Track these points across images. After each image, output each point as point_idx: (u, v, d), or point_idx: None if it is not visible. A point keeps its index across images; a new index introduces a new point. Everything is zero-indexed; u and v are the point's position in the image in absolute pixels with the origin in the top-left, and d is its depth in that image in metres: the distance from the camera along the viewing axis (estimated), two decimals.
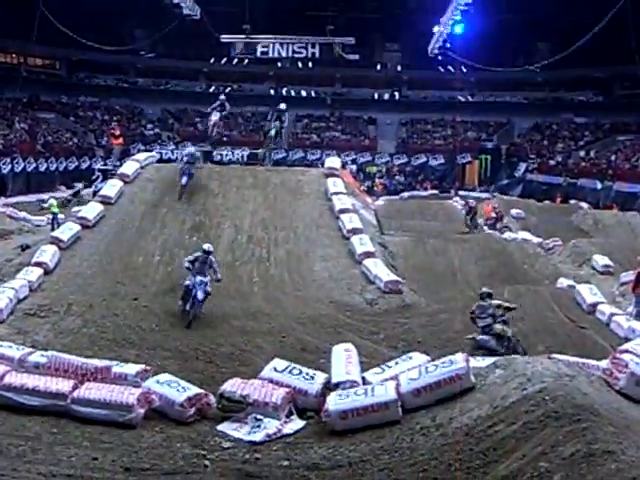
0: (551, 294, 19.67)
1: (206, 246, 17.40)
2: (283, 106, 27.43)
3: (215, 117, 28.41)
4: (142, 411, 10.32)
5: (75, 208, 26.92)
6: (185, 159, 24.21)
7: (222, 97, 28.46)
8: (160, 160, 31.90)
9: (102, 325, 15.75)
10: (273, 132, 27.85)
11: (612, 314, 17.55)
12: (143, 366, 11.92)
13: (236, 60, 68.99)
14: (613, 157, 53.93)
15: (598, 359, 12.43)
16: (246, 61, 69.24)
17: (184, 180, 22.98)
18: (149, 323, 16.04)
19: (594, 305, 18.40)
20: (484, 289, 15.03)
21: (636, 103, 59.66)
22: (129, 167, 24.65)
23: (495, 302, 14.48)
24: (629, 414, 9.37)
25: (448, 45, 61.14)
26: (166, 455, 9.28)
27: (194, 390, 10.83)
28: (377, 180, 56.60)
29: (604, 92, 65.51)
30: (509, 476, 7.82)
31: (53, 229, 25.81)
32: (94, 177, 46.44)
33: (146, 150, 44.25)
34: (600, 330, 17.11)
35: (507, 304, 14.72)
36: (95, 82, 67.08)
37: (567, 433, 8.08)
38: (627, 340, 15.20)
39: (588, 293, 19.07)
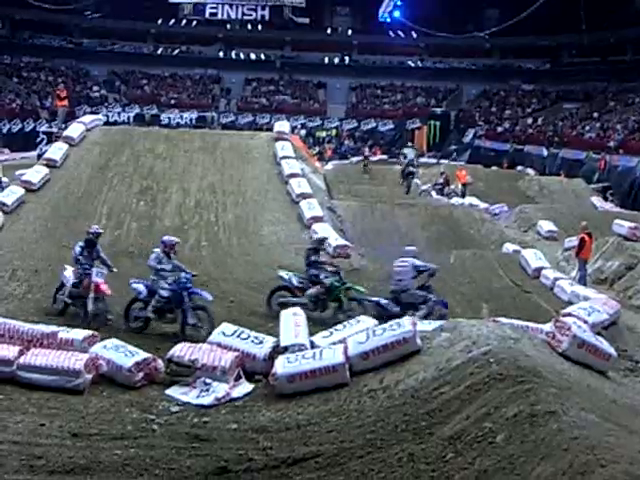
0: (497, 259, 19.99)
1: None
2: None
3: None
4: (90, 377, 10.26)
5: (19, 171, 26.40)
6: None
7: None
8: (106, 123, 31.43)
9: (48, 291, 15.50)
10: None
11: (556, 278, 17.90)
12: (90, 331, 11.82)
13: (184, 21, 68.08)
14: (560, 124, 54.63)
15: (542, 322, 12.73)
16: (195, 23, 68.32)
17: None
18: None
19: (538, 270, 18.74)
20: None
21: (583, 71, 60.53)
22: (75, 130, 24.19)
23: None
24: (571, 376, 9.62)
25: (398, 11, 61.10)
26: (114, 420, 9.26)
27: (142, 355, 10.78)
28: (326, 145, 56.46)
29: (552, 60, 66.24)
30: (454, 436, 7.98)
31: None
32: (38, 140, 45.58)
33: (92, 112, 43.56)
34: (544, 294, 17.45)
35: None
36: (39, 42, 65.36)
37: (511, 394, 8.27)
38: (570, 304, 15.60)
39: (533, 258, 19.40)
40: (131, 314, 14.05)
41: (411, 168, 28.70)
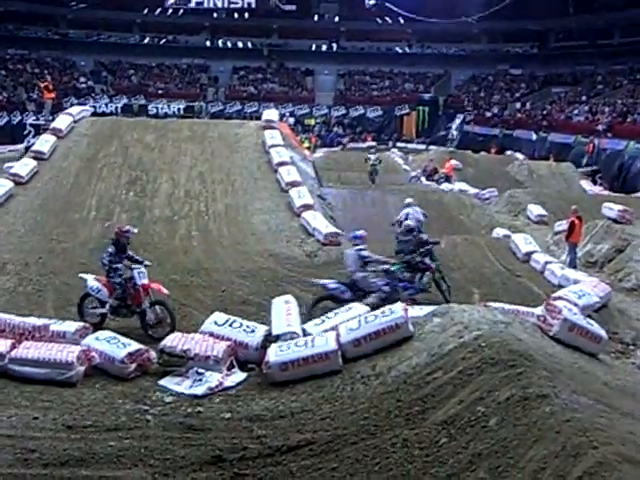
0: (487, 244, 20.00)
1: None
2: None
3: None
4: (82, 369, 10.26)
5: (7, 164, 26.28)
6: None
7: None
8: (94, 114, 31.23)
9: (39, 283, 15.49)
10: None
11: (546, 262, 17.93)
12: (82, 323, 11.81)
13: (170, 11, 67.68)
14: (548, 108, 54.67)
15: (533, 306, 12.79)
16: (181, 12, 67.97)
17: None
18: None
19: (529, 254, 18.77)
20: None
21: (570, 55, 60.58)
22: (62, 121, 24.09)
23: None
24: (562, 359, 9.68)
25: None
26: (108, 412, 9.26)
27: (135, 346, 10.78)
28: (311, 134, 56.09)
29: (539, 44, 66.22)
30: (447, 421, 8.03)
31: None
32: (26, 132, 45.30)
33: (79, 104, 43.25)
34: (534, 278, 17.49)
35: None
36: (24, 34, 64.63)
37: (502, 378, 8.32)
38: (560, 287, 15.66)
39: (523, 242, 19.44)
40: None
41: (376, 167, 29.34)
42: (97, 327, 12.34)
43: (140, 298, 13.04)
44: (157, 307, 13.11)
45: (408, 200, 20.20)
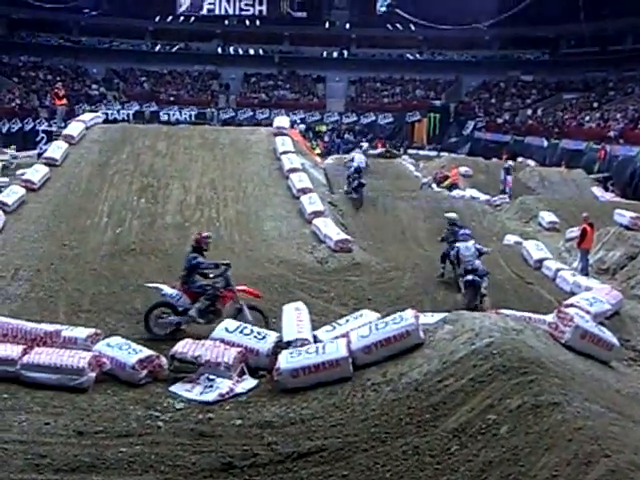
0: (499, 251, 19.95)
1: None
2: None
3: None
4: (93, 375, 10.27)
5: (20, 171, 26.35)
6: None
7: None
8: (106, 121, 31.38)
9: (50, 289, 15.52)
10: None
11: (558, 269, 17.89)
12: (93, 329, 11.84)
13: (182, 18, 67.96)
14: (559, 115, 54.54)
15: (544, 313, 12.74)
16: (192, 19, 68.21)
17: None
18: (98, 286, 15.84)
19: (540, 261, 18.73)
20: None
21: (581, 62, 60.44)
22: (74, 128, 24.18)
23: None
24: (574, 366, 9.63)
25: (396, 3, 60.98)
26: (119, 418, 9.28)
27: (146, 352, 10.80)
28: (319, 141, 56.06)
29: (550, 50, 66.10)
30: (458, 429, 8.00)
31: None
32: (38, 139, 45.55)
33: (91, 111, 43.36)
34: (546, 285, 17.45)
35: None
36: (37, 41, 65.16)
37: (514, 386, 8.29)
38: (572, 294, 15.61)
39: (534, 249, 19.40)
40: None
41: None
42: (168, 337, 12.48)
43: (227, 300, 13.22)
44: (249, 310, 13.18)
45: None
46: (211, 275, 13.51)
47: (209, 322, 12.96)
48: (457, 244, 16.07)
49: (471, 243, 15.90)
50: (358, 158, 25.94)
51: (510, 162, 36.37)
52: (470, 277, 15.17)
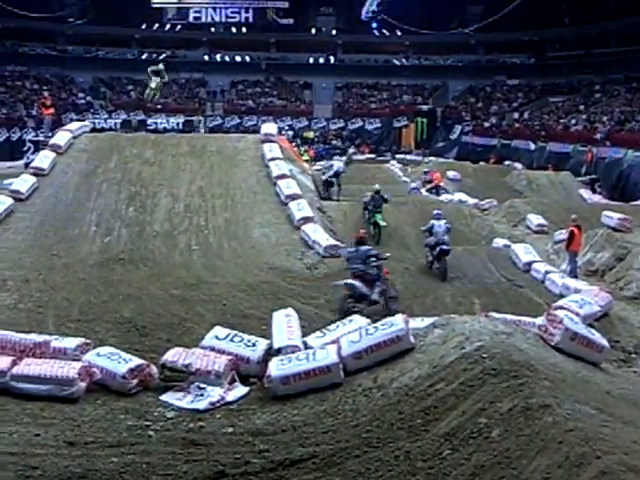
0: (487, 254, 20.02)
1: None
2: None
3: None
4: (83, 385, 10.23)
5: (6, 181, 26.24)
6: None
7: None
8: (93, 130, 31.27)
9: (39, 299, 15.44)
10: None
11: (547, 272, 17.94)
12: (83, 339, 11.79)
13: (169, 26, 68.06)
14: (546, 118, 54.77)
15: (534, 316, 12.79)
16: (179, 27, 68.29)
17: None
18: (87, 296, 15.77)
19: (529, 264, 18.78)
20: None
21: (567, 65, 60.83)
22: (61, 137, 24.08)
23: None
24: (564, 368, 9.66)
25: (381, 9, 61.18)
26: (110, 428, 9.24)
27: (136, 361, 10.76)
28: (307, 147, 56.07)
29: (536, 54, 66.48)
30: (450, 433, 8.01)
31: None
32: (25, 148, 45.39)
33: (78, 120, 43.30)
34: (535, 288, 17.50)
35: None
36: (23, 50, 65.01)
37: (505, 389, 8.31)
38: (561, 297, 15.66)
39: (523, 252, 19.44)
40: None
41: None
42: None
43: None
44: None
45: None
46: (374, 263, 15.45)
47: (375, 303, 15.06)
48: (431, 221, 18.83)
49: (443, 222, 18.69)
50: (337, 165, 29.93)
51: None
52: (442, 247, 18.00)
